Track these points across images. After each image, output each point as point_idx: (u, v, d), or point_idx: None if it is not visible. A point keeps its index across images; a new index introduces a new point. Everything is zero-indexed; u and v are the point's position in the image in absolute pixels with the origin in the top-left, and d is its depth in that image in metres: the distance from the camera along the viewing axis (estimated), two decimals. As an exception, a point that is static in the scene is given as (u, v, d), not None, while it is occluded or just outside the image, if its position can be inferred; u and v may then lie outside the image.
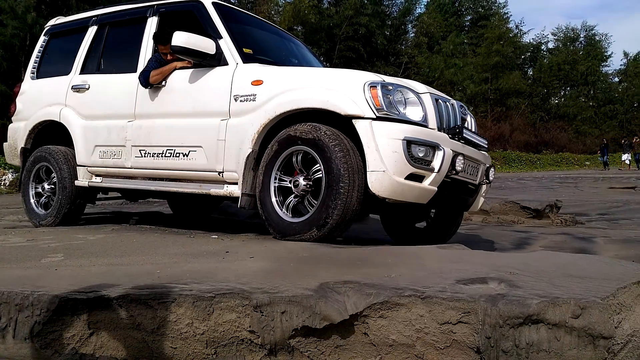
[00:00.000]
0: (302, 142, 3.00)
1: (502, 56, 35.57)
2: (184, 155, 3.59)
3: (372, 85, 2.94)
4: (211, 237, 3.31)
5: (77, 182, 4.22)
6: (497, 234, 4.92)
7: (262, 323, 1.71)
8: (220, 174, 3.40)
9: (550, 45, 44.54)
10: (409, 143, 2.86)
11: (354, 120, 2.92)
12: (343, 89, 3.01)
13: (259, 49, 3.96)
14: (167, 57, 3.82)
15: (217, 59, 3.54)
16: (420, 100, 3.10)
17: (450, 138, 3.18)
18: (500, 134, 32.51)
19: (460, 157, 3.10)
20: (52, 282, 2.00)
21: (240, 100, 3.34)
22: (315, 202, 2.98)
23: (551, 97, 42.99)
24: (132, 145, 3.90)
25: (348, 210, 2.87)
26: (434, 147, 2.98)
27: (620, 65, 47.47)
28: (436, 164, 2.98)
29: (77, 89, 4.33)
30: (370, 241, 3.89)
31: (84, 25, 4.59)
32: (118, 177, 4.12)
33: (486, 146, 3.72)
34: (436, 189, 3.03)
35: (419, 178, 2.95)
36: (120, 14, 4.43)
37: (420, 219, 4.12)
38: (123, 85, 4.04)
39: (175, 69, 3.76)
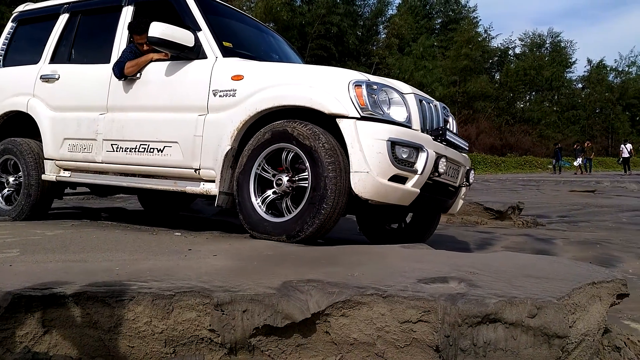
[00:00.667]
0: (298, 144, 2.90)
1: (470, 60, 36.18)
2: (158, 151, 3.47)
3: (357, 84, 2.88)
4: (174, 235, 3.25)
5: (44, 176, 4.07)
6: (460, 235, 5.01)
7: (222, 322, 1.69)
8: (197, 171, 3.30)
9: (517, 50, 45.57)
10: (393, 144, 2.81)
11: (338, 120, 2.86)
12: (327, 87, 2.94)
13: (239, 42, 3.86)
14: (142, 47, 3.71)
15: (196, 52, 3.44)
16: (405, 100, 3.06)
17: (433, 140, 3.15)
18: (467, 137, 33.00)
19: (443, 159, 3.07)
20: (6, 279, 1.93)
21: (220, 96, 3.24)
22: (294, 208, 2.92)
23: (517, 101, 43.97)
24: (104, 139, 3.76)
25: (324, 228, 2.84)
26: (417, 148, 2.94)
27: (584, 71, 49.03)
28: (419, 165, 2.94)
29: (46, 78, 4.17)
30: (338, 240, 3.89)
31: (54, 12, 4.42)
32: (88, 171, 3.97)
33: (467, 148, 3.69)
34: (419, 190, 2.99)
35: (402, 180, 2.91)
36: (94, 2, 4.27)
37: (397, 220, 4.10)
38: (95, 76, 3.90)
39: (151, 61, 3.64)
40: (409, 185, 2.93)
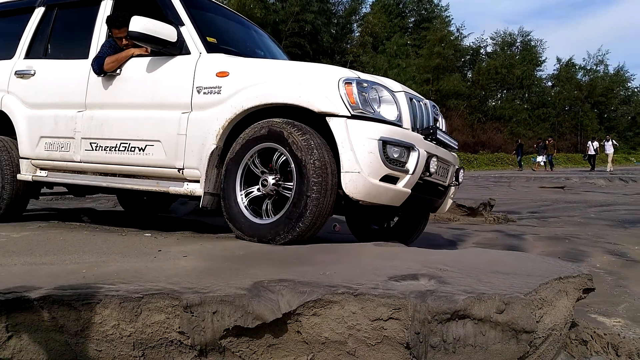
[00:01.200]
0: (290, 152, 2.80)
1: (443, 58, 36.60)
2: (140, 150, 3.35)
3: (347, 82, 2.81)
4: (144, 236, 3.20)
5: (19, 176, 3.91)
6: (433, 231, 5.06)
7: (192, 324, 1.67)
8: (181, 171, 3.20)
9: (489, 49, 46.30)
10: (384, 143, 2.75)
11: (328, 118, 2.79)
12: (316, 85, 2.86)
13: (223, 38, 3.74)
14: (121, 42, 3.59)
15: (179, 48, 3.33)
16: (395, 99, 2.99)
17: (424, 139, 3.10)
18: (441, 134, 33.36)
19: (434, 159, 3.02)
20: (-33, 283, 1.87)
21: (204, 93, 3.14)
22: (273, 214, 2.86)
23: (489, 99, 44.67)
24: (82, 138, 3.62)
25: (296, 242, 2.77)
26: (409, 148, 2.89)
27: (553, 70, 50.05)
28: (411, 165, 2.89)
29: (21, 74, 4.01)
30: (315, 239, 3.89)
31: (29, 5, 4.24)
32: (66, 171, 3.82)
33: (456, 147, 3.65)
34: (410, 191, 2.94)
35: (394, 180, 2.85)
36: None
37: (386, 220, 4.05)
38: (73, 72, 3.76)
39: (132, 57, 3.52)
40: (400, 185, 2.88)
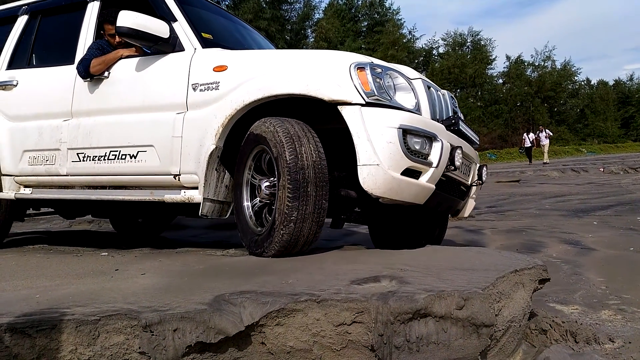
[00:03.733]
0: (268, 148, 2.55)
1: (397, 61, 37.13)
2: (131, 157, 3.08)
3: (360, 67, 2.56)
4: (101, 255, 3.10)
5: (1, 195, 3.59)
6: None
7: (152, 343, 1.63)
8: (177, 177, 2.93)
9: (441, 50, 47.38)
10: (405, 132, 2.49)
11: (340, 107, 2.51)
12: (325, 72, 2.60)
13: (218, 34, 3.50)
14: (114, 40, 3.36)
15: (172, 44, 3.09)
16: (412, 86, 2.74)
17: (445, 129, 2.83)
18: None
19: (458, 151, 2.75)
20: None
21: (200, 90, 2.88)
22: (266, 222, 2.63)
23: (443, 99, 45.57)
24: (69, 148, 3.33)
25: (284, 251, 2.50)
26: (431, 138, 2.62)
27: (504, 67, 51.50)
28: (434, 157, 2.61)
29: (2, 86, 3.73)
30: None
31: (12, 15, 4.02)
32: (52, 187, 3.53)
33: (478, 142, 3.39)
34: (434, 187, 2.66)
35: (416, 174, 2.58)
36: (56, 0, 3.88)
37: (408, 226, 3.71)
38: (58, 79, 3.50)
39: (121, 58, 3.27)
40: (423, 180, 2.60)
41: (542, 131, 26.84)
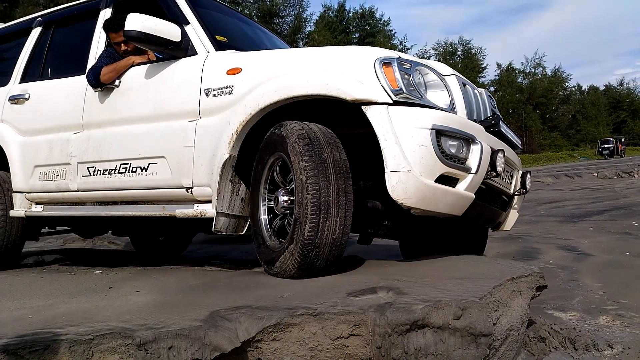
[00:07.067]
0: (285, 153, 2.31)
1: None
2: (142, 170, 2.89)
3: (386, 62, 2.28)
4: (94, 273, 3.07)
5: (12, 213, 3.45)
6: (390, 241, 5.08)
7: (147, 361, 1.60)
8: (189, 190, 2.71)
9: (432, 59, 47.66)
10: (438, 133, 2.20)
11: (364, 107, 2.25)
12: (347, 69, 2.34)
13: (233, 37, 3.30)
14: (120, 48, 3.21)
15: (184, 49, 2.90)
16: (445, 83, 2.45)
17: (485, 130, 2.53)
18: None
19: (500, 155, 2.44)
20: None
21: (214, 95, 2.67)
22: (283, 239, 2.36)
23: (436, 108, 45.86)
24: (79, 162, 3.17)
25: (302, 273, 2.23)
26: (468, 140, 2.32)
27: (495, 75, 52.02)
28: (473, 162, 2.31)
29: (15, 99, 3.61)
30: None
31: (26, 27, 3.93)
32: (63, 203, 3.37)
33: (520, 147, 3.09)
34: (474, 196, 2.35)
35: (452, 181, 2.29)
36: (69, 10, 3.76)
37: (444, 240, 3.36)
38: (69, 90, 3.35)
39: (132, 65, 3.10)
40: (460, 187, 2.30)
41: None
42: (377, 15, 44.61)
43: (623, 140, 40.97)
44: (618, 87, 58.75)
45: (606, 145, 39.13)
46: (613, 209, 7.83)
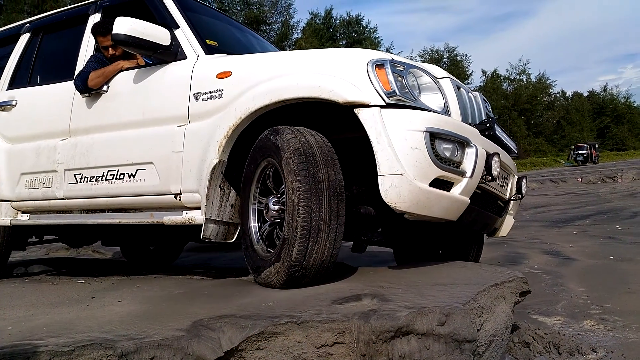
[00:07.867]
0: (275, 158, 2.27)
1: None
2: (130, 176, 2.84)
3: (379, 64, 2.25)
4: (77, 283, 3.02)
5: None
6: (377, 249, 5.08)
7: (129, 372, 1.58)
8: (177, 197, 2.66)
9: (420, 65, 48.04)
10: (432, 136, 2.17)
11: (356, 110, 2.21)
12: (339, 71, 2.30)
13: (224, 42, 3.27)
14: (108, 52, 3.17)
15: (173, 53, 2.86)
16: (439, 86, 2.43)
17: (480, 134, 2.50)
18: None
19: (496, 159, 2.41)
20: None
21: (203, 99, 2.63)
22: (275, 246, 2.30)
23: (423, 115, 46.15)
24: (65, 169, 3.12)
25: (289, 283, 2.17)
26: (463, 143, 2.29)
27: (480, 82, 52.41)
28: (468, 165, 2.28)
29: (2, 106, 3.58)
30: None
31: (15, 34, 3.89)
32: (50, 212, 3.31)
33: (516, 151, 3.06)
34: (469, 200, 2.32)
35: (447, 185, 2.25)
36: (57, 15, 3.75)
37: (438, 248, 3.34)
38: (56, 96, 3.31)
39: (121, 70, 3.07)
40: (455, 192, 2.26)
41: None
42: (364, 23, 44.83)
43: (597, 146, 40.81)
44: (602, 93, 59.54)
45: (580, 152, 38.30)
46: (597, 213, 7.92)
